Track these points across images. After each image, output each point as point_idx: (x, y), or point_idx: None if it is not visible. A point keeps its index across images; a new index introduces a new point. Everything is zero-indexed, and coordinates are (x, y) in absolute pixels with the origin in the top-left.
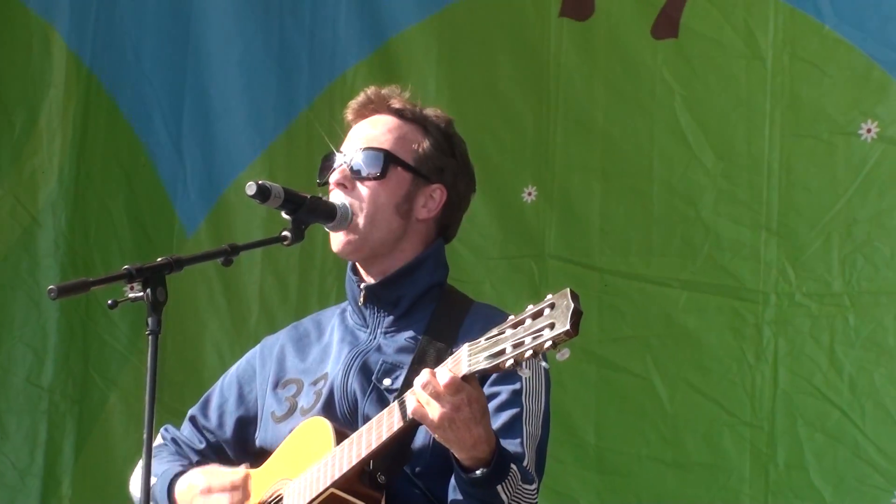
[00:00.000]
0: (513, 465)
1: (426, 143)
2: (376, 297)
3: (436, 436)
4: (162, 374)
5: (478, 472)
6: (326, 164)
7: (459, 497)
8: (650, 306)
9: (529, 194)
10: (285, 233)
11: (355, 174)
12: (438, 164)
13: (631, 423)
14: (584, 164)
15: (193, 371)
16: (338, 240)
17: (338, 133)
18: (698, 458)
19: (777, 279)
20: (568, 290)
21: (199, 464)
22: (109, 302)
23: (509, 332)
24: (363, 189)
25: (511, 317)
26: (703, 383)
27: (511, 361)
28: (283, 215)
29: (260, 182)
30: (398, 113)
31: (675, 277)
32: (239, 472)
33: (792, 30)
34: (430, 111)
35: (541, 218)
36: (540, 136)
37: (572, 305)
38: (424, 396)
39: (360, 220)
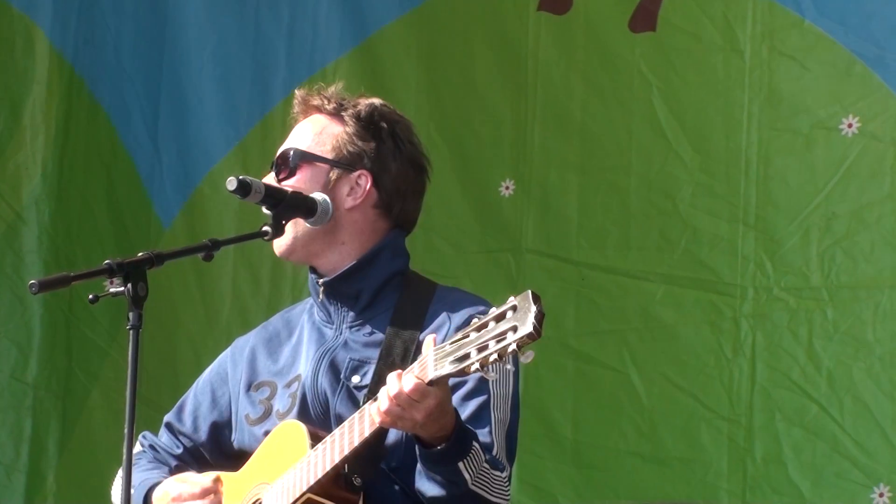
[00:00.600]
0: (475, 444)
1: (343, 133)
2: (336, 292)
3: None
4: (139, 366)
5: (438, 447)
6: None
7: (424, 480)
8: (627, 300)
9: (507, 188)
10: (266, 228)
11: (276, 178)
12: (356, 150)
13: (608, 417)
14: (561, 158)
15: (168, 362)
16: (275, 246)
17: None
18: (676, 453)
19: (755, 273)
20: (529, 292)
21: (177, 468)
22: (91, 297)
23: (473, 335)
24: None
25: (475, 319)
26: (681, 377)
27: (476, 366)
28: (264, 210)
29: (241, 177)
30: (319, 109)
31: (653, 271)
32: (209, 475)
33: (770, 23)
34: (359, 100)
35: (518, 212)
36: (518, 130)
37: (534, 308)
38: (395, 411)
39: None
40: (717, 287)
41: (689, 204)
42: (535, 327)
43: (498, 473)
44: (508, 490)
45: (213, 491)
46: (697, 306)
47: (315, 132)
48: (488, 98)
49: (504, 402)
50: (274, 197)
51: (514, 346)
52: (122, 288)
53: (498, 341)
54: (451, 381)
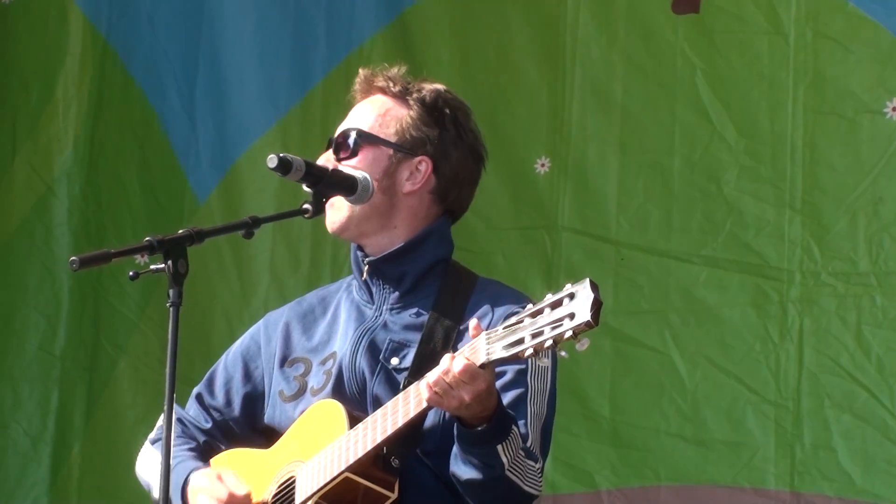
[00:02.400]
0: (515, 428)
1: (407, 117)
2: (380, 273)
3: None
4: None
5: (479, 427)
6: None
7: (460, 463)
8: (669, 281)
9: (542, 165)
10: (306, 205)
11: (337, 157)
12: (419, 135)
13: (648, 397)
14: (600, 136)
15: (202, 339)
16: (328, 221)
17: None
18: (720, 436)
19: (802, 257)
20: (588, 280)
21: (205, 444)
22: (131, 273)
23: (528, 321)
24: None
25: (529, 305)
26: (725, 360)
27: (531, 351)
28: (304, 188)
29: (281, 155)
30: (383, 91)
31: (696, 253)
32: (245, 488)
33: (814, 6)
34: (423, 84)
35: (554, 189)
36: (555, 107)
37: (592, 296)
38: (442, 386)
39: (344, 201)
40: (764, 271)
41: (734, 187)
42: (593, 315)
43: (532, 463)
44: (541, 482)
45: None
46: (743, 290)
47: (378, 113)
48: (524, 75)
49: (541, 396)
50: (314, 175)
51: (570, 333)
52: (163, 265)
53: (553, 328)
54: None
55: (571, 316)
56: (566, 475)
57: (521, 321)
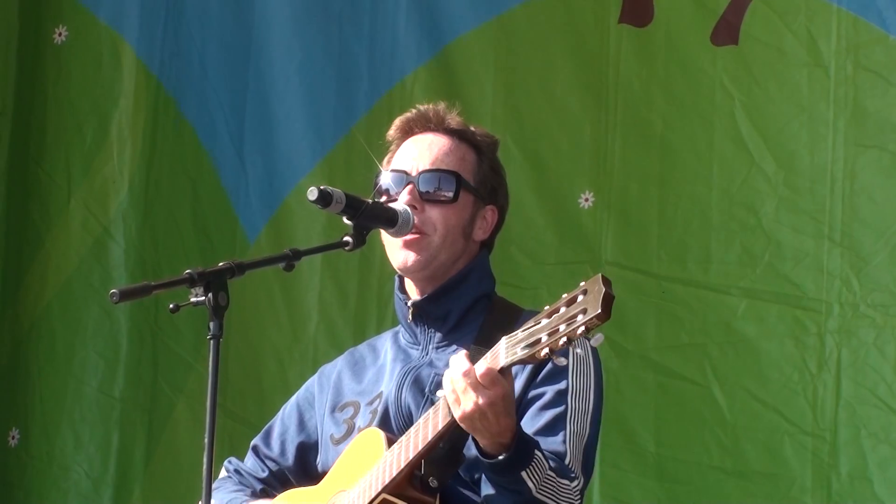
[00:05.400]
0: (538, 452)
1: (484, 166)
2: (424, 313)
3: (462, 425)
4: (224, 380)
5: (500, 457)
6: (379, 181)
7: (490, 490)
8: (709, 314)
9: (587, 200)
10: (347, 238)
11: (426, 195)
12: (494, 185)
13: (690, 431)
14: (642, 170)
15: (254, 376)
16: (405, 257)
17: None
18: (759, 467)
19: (840, 289)
20: (600, 275)
21: (262, 492)
22: (171, 306)
23: (545, 321)
24: (434, 210)
25: (547, 307)
26: (764, 392)
27: (546, 350)
28: (345, 220)
29: (322, 187)
30: (455, 133)
31: (735, 285)
32: None
33: (855, 38)
34: (478, 131)
35: (598, 224)
36: (598, 142)
37: (604, 290)
38: (461, 385)
39: (435, 241)
40: (802, 302)
41: (772, 219)
42: (604, 308)
43: (566, 482)
44: (578, 501)
45: None
46: (781, 321)
47: (459, 157)
48: (567, 110)
49: (583, 416)
50: (355, 207)
51: (582, 329)
52: (203, 297)
53: (568, 324)
54: (531, 392)
55: (584, 311)
56: None
57: (538, 322)
